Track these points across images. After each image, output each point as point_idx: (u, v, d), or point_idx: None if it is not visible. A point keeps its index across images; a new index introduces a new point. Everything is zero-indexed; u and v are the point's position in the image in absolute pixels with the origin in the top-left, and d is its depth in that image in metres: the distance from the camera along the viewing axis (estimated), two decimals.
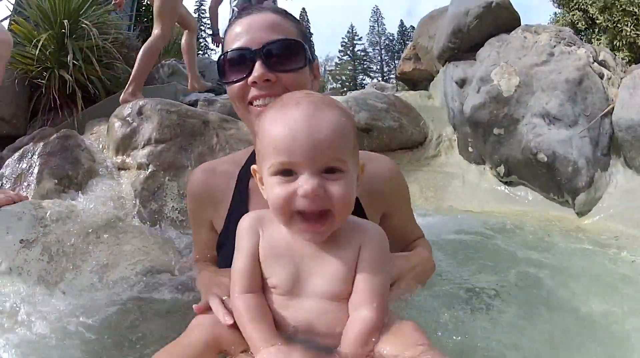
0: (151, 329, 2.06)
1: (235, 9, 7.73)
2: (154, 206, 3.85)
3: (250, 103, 1.98)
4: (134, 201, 3.85)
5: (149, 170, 4.01)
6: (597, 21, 12.03)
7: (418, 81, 7.95)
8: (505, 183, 5.12)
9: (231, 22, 2.03)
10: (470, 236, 3.42)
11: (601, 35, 12.16)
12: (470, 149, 5.61)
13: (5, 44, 3.80)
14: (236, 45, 1.93)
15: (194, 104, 5.88)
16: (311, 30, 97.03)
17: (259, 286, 1.54)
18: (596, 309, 2.20)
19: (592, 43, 11.58)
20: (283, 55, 1.89)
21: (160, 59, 9.11)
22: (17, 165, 4.20)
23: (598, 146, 4.46)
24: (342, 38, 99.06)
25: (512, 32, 5.60)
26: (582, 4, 12.49)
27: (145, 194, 3.90)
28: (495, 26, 5.78)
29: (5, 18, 9.75)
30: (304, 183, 1.31)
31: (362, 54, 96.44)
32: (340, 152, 1.35)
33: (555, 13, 14.38)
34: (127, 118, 4.35)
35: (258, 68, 1.87)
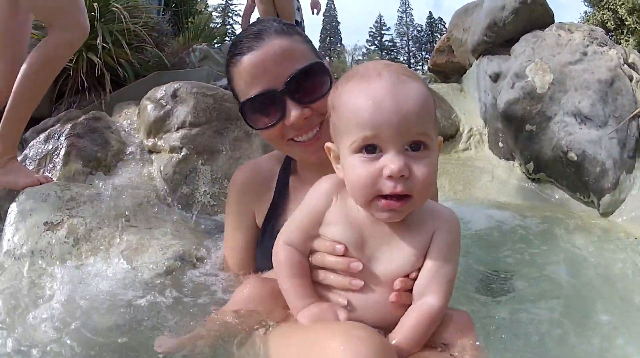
0: (175, 315, 1.99)
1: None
2: (186, 190, 3.75)
3: (290, 139, 1.89)
4: (165, 185, 3.76)
5: (182, 153, 3.90)
6: (626, 22, 11.92)
7: (450, 73, 7.84)
8: (533, 180, 5.07)
9: (237, 59, 1.87)
10: (496, 227, 3.60)
11: (629, 37, 12.06)
12: (500, 144, 5.56)
13: (83, 34, 3.67)
14: (257, 89, 1.81)
15: (226, 88, 5.77)
16: (338, 19, 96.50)
17: (307, 249, 1.47)
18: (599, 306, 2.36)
19: (620, 44, 11.45)
20: (310, 85, 1.79)
21: (191, 44, 9.01)
22: (43, 146, 4.10)
23: (625, 148, 4.42)
24: (370, 28, 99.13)
25: (547, 30, 5.55)
26: (612, 4, 12.40)
27: (177, 178, 3.80)
28: (530, 22, 5.72)
29: None
30: (390, 161, 1.22)
31: (390, 44, 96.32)
32: (426, 125, 1.26)
33: (586, 12, 14.38)
34: (161, 101, 4.23)
35: (292, 109, 1.77)
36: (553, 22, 5.70)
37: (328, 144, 1.46)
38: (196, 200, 3.71)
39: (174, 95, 4.24)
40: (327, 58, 1.98)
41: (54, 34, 3.54)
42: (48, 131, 4.26)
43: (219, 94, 4.26)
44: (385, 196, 1.27)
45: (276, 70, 1.78)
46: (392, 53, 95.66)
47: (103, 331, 1.92)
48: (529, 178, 5.10)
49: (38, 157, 4.04)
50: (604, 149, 4.37)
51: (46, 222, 3.00)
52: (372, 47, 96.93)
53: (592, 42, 5.07)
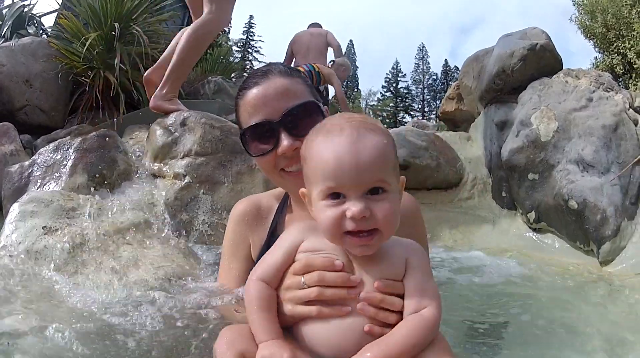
0: (159, 336, 2.05)
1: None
2: (185, 217, 3.92)
3: (282, 169, 2.10)
4: (164, 209, 3.92)
5: (185, 181, 4.09)
6: (635, 66, 12.09)
7: (459, 122, 7.95)
8: (534, 230, 5.11)
9: (244, 92, 2.12)
10: (492, 275, 3.66)
11: (638, 80, 12.19)
12: (503, 193, 5.61)
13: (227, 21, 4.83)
14: (256, 119, 2.05)
15: (235, 121, 5.90)
16: (356, 64, 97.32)
17: (277, 284, 1.61)
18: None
19: (629, 88, 11.61)
20: (303, 120, 2.00)
21: (207, 75, 9.23)
22: (51, 155, 4.30)
23: (627, 194, 4.44)
24: (387, 73, 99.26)
25: (554, 76, 5.64)
26: (622, 48, 12.57)
27: (177, 204, 3.98)
28: (538, 69, 5.80)
29: (54, 11, 10.19)
30: (352, 205, 1.41)
31: (405, 91, 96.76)
32: (383, 173, 1.45)
33: (596, 58, 14.55)
34: (170, 127, 4.45)
35: (284, 139, 2.01)
36: (561, 69, 5.79)
37: (302, 189, 1.65)
38: (194, 228, 3.86)
39: (183, 123, 4.45)
40: (325, 106, 2.17)
41: (209, 13, 4.81)
42: (58, 141, 4.48)
43: (226, 126, 4.46)
44: (354, 234, 1.45)
45: (275, 104, 2.02)
46: (406, 100, 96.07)
47: (84, 337, 1.98)
48: (530, 228, 5.14)
49: (46, 164, 4.24)
50: (605, 196, 4.41)
51: (45, 226, 3.16)
52: (388, 94, 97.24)
53: (599, 88, 5.15)
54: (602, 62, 13.48)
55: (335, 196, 1.45)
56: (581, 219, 4.45)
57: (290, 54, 9.14)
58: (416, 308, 1.48)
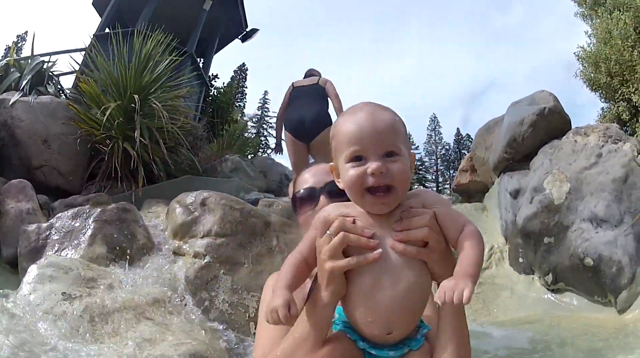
0: None
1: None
2: (205, 296, 4.06)
3: None
4: (186, 287, 4.06)
5: (205, 260, 4.26)
6: None
7: (474, 193, 8.00)
8: (552, 291, 5.13)
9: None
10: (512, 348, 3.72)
11: None
12: (520, 259, 5.63)
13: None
14: (306, 186, 2.37)
15: (254, 202, 6.05)
16: None
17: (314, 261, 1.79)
18: None
19: (636, 133, 11.73)
20: (339, 191, 2.09)
21: (225, 152, 9.46)
22: (70, 222, 4.53)
23: None
24: None
25: (564, 137, 5.79)
26: (627, 94, 12.76)
27: (197, 282, 4.13)
28: (547, 132, 5.97)
29: (72, 72, 10.55)
30: (372, 164, 1.68)
31: (419, 163, 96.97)
32: (396, 140, 1.73)
33: (603, 108, 14.72)
34: (189, 206, 4.67)
35: (322, 201, 2.28)
36: (570, 129, 5.91)
37: (331, 163, 1.92)
38: (214, 307, 3.99)
39: (203, 203, 4.66)
40: None
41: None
42: (77, 208, 4.71)
43: (246, 209, 4.68)
44: (373, 192, 1.70)
45: (321, 178, 2.33)
46: (420, 172, 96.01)
47: None
48: (548, 289, 5.17)
49: (64, 230, 4.45)
50: (619, 247, 4.47)
51: (64, 293, 3.31)
52: None
53: (607, 141, 5.27)
54: (609, 112, 13.72)
55: (358, 159, 1.72)
56: (597, 274, 4.53)
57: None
58: (457, 232, 1.67)
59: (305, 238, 1.88)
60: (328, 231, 1.72)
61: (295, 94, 7.78)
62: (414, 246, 1.64)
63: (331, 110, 7.90)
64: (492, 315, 5.05)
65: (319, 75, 8.06)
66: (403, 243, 1.64)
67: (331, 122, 7.15)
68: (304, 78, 8.12)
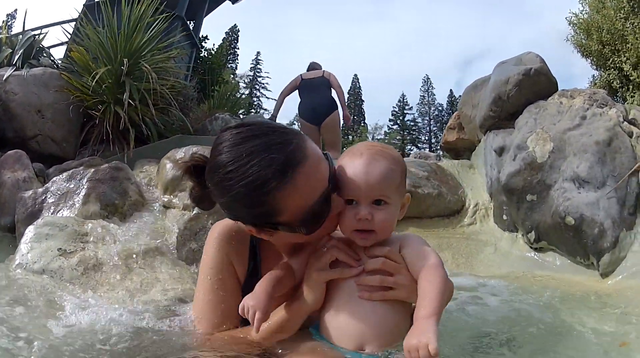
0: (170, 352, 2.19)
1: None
2: (194, 246, 4.23)
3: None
4: (174, 238, 4.24)
5: (194, 212, 4.41)
6: (631, 77, 12.18)
7: (461, 151, 7.98)
8: (535, 250, 5.20)
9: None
10: (493, 296, 3.59)
11: (635, 92, 12.24)
12: (504, 217, 5.71)
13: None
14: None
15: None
16: (362, 98, 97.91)
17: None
18: None
19: (626, 101, 11.76)
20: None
21: (215, 111, 9.51)
22: (65, 184, 4.68)
23: (625, 206, 4.52)
24: (393, 107, 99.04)
25: (549, 98, 5.79)
26: (618, 62, 12.72)
27: (187, 233, 4.31)
28: (533, 93, 5.94)
29: (62, 44, 10.73)
30: (360, 210, 1.93)
31: (412, 124, 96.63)
32: (385, 190, 1.95)
33: (594, 75, 14.68)
34: (179, 161, 4.79)
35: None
36: (557, 91, 5.92)
37: (334, 195, 2.05)
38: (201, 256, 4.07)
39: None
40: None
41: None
42: (71, 171, 4.87)
43: None
44: (359, 232, 1.96)
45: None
46: (413, 133, 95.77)
47: (90, 347, 2.13)
48: (531, 248, 5.23)
49: (59, 192, 4.60)
50: (601, 209, 4.51)
51: (60, 248, 3.48)
52: (395, 127, 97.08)
53: (592, 105, 5.28)
54: (600, 79, 13.67)
55: (352, 201, 1.97)
56: (579, 234, 4.57)
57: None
58: (421, 265, 1.92)
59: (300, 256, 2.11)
60: (324, 249, 2.04)
61: (304, 84, 9.82)
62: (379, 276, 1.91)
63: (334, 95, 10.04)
64: (475, 270, 5.09)
65: (321, 68, 10.23)
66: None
67: (336, 107, 9.83)
68: (307, 71, 10.16)
